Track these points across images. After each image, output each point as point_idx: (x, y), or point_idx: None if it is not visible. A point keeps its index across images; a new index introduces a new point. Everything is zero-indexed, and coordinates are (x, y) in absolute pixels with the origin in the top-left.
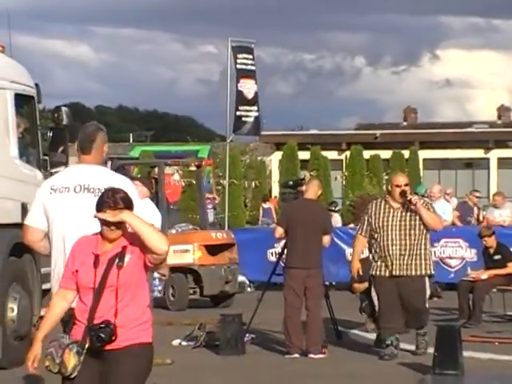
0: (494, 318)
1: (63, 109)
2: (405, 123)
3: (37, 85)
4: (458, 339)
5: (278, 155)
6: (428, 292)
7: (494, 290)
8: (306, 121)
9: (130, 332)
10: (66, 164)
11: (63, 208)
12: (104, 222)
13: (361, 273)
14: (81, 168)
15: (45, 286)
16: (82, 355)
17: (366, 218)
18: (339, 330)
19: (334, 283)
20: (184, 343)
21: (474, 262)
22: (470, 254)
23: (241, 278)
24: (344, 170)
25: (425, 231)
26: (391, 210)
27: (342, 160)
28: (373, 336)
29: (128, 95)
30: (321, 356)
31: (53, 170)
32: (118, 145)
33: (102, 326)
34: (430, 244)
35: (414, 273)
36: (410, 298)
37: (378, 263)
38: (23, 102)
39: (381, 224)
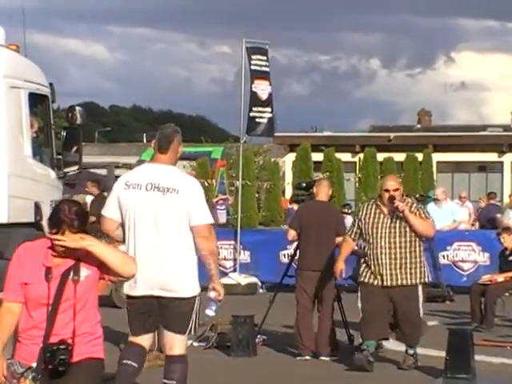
0: (507, 321)
1: (77, 108)
2: (419, 126)
3: (51, 84)
4: (470, 343)
5: (291, 156)
6: (421, 300)
7: (507, 293)
8: (320, 122)
9: (83, 347)
10: (79, 163)
11: (134, 203)
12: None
13: (343, 275)
14: (154, 167)
15: None
16: (37, 381)
17: (357, 221)
18: (351, 333)
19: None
20: (195, 344)
21: (487, 265)
22: (483, 258)
23: (253, 280)
24: (357, 172)
25: (417, 238)
26: (381, 216)
27: (355, 162)
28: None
29: (142, 95)
30: (332, 358)
31: (66, 170)
32: (132, 144)
33: (62, 347)
34: (437, 248)
35: (405, 282)
36: (402, 308)
37: (368, 271)
38: (37, 102)
39: (370, 231)
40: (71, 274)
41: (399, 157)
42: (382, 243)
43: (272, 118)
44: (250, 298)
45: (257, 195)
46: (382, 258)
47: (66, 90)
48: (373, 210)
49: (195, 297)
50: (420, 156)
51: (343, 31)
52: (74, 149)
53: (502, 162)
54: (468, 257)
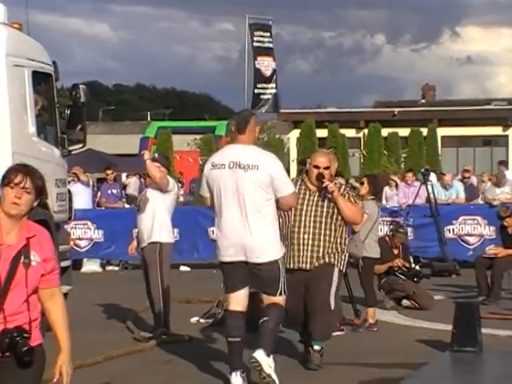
0: None
1: (81, 86)
2: (423, 101)
3: (54, 62)
4: (477, 316)
5: (295, 133)
6: (334, 287)
7: None
8: (325, 98)
9: (34, 332)
10: (83, 142)
11: (220, 182)
12: (13, 188)
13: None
14: (235, 147)
15: (63, 264)
16: None
17: None
18: (357, 308)
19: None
20: (202, 320)
21: (493, 239)
22: (489, 232)
23: None
24: (362, 147)
25: (343, 224)
26: (307, 193)
27: (359, 138)
28: (391, 313)
29: (146, 73)
30: (339, 333)
31: (70, 148)
32: (136, 123)
33: (24, 335)
34: (443, 223)
35: (322, 261)
36: (310, 292)
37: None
38: (41, 80)
39: (293, 208)
40: (22, 256)
41: (404, 132)
42: (306, 222)
43: (276, 93)
44: None
45: None
46: (303, 238)
47: (70, 69)
48: (297, 186)
49: (278, 260)
50: (425, 131)
51: (347, 7)
52: (78, 127)
53: (506, 136)
54: (474, 230)
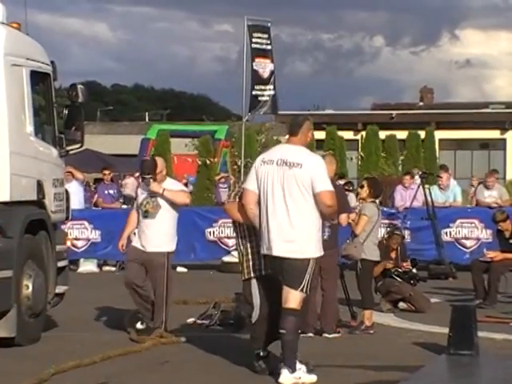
0: (510, 298)
1: (79, 86)
2: (421, 103)
3: (52, 62)
4: (473, 319)
5: None
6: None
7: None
8: (323, 100)
9: None
10: (81, 142)
11: (268, 177)
12: None
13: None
14: (285, 146)
15: (60, 264)
16: None
17: None
18: (354, 310)
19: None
20: (198, 321)
21: (490, 242)
22: (486, 235)
23: None
24: (360, 150)
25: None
26: None
27: (357, 140)
28: (387, 316)
29: (144, 74)
30: (335, 335)
31: (68, 148)
32: (134, 123)
33: None
34: (440, 226)
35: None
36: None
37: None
38: (39, 80)
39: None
40: None
41: (401, 134)
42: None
43: (275, 95)
44: None
45: None
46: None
47: (68, 69)
48: None
49: (310, 259)
50: (422, 134)
51: (347, 9)
52: (76, 127)
53: (504, 139)
54: (471, 234)
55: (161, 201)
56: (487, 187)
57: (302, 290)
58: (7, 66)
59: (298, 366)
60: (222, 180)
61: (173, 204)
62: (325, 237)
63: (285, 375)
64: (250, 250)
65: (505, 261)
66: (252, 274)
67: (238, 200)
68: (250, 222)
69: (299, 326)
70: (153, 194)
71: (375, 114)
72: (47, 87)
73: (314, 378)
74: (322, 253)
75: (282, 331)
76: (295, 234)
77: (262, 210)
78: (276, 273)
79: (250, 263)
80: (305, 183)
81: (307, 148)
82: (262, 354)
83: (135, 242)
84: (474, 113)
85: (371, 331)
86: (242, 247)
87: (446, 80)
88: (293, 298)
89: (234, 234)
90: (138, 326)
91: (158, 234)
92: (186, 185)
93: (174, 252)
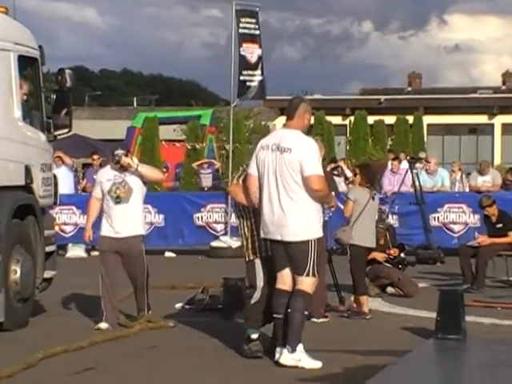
0: (497, 283)
1: (67, 71)
2: (409, 88)
3: (40, 47)
4: (461, 304)
5: (282, 120)
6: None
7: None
8: (312, 86)
9: None
10: (69, 127)
11: (264, 163)
12: None
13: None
14: (281, 131)
15: (48, 249)
16: None
17: None
18: (342, 295)
19: (334, 248)
20: (187, 307)
21: (478, 227)
22: (474, 220)
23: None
24: (348, 135)
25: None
26: None
27: (346, 125)
28: (375, 301)
29: (132, 59)
30: (323, 320)
31: (56, 133)
32: (122, 108)
33: None
34: (428, 211)
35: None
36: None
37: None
38: (27, 64)
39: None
40: None
41: (390, 119)
42: None
43: (263, 80)
44: (241, 261)
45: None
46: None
47: (56, 54)
48: None
49: (309, 241)
50: (411, 119)
51: None
52: (64, 112)
53: (492, 125)
54: (459, 219)
55: (131, 183)
56: (481, 173)
57: (308, 275)
58: None
59: (300, 347)
60: (205, 166)
61: (142, 184)
62: (326, 217)
63: (285, 355)
64: (253, 232)
65: (492, 245)
66: (256, 255)
67: (241, 182)
68: (252, 205)
69: (306, 308)
70: (120, 178)
71: (363, 99)
72: (35, 72)
73: (316, 363)
74: (320, 234)
75: (289, 310)
76: (287, 219)
77: (260, 194)
78: (280, 258)
79: (255, 244)
80: (294, 168)
81: (304, 131)
82: (252, 336)
83: (106, 231)
84: (462, 98)
85: (368, 317)
86: (246, 229)
87: (434, 65)
88: (302, 282)
89: (236, 217)
90: (101, 325)
91: (134, 217)
92: (166, 168)
93: (162, 235)
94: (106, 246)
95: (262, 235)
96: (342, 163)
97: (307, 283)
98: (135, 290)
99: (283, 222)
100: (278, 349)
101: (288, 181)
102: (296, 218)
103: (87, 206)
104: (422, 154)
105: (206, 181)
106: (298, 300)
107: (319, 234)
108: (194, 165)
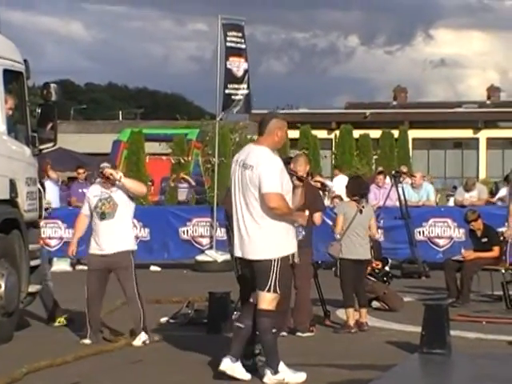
0: (482, 297)
1: (52, 85)
2: (395, 103)
3: (25, 61)
4: (446, 318)
5: None
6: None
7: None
8: (298, 99)
9: None
10: (54, 141)
11: (233, 179)
12: None
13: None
14: (250, 147)
15: (33, 263)
16: None
17: None
18: (327, 309)
19: (320, 262)
20: (172, 321)
21: (463, 241)
22: (459, 234)
23: (229, 257)
24: (333, 149)
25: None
26: None
27: (331, 139)
28: None
29: (118, 72)
30: (309, 334)
31: (41, 147)
32: (107, 122)
33: None
34: (413, 225)
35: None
36: None
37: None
38: (12, 78)
39: None
40: None
41: (375, 133)
42: None
43: (248, 94)
44: (227, 275)
45: None
46: None
47: (42, 67)
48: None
49: (270, 260)
50: (396, 133)
51: (322, 8)
52: (49, 126)
53: (477, 139)
54: (444, 233)
55: (117, 199)
56: (467, 190)
57: (269, 291)
58: None
59: (282, 367)
60: (182, 180)
61: (128, 199)
62: (300, 237)
63: (268, 376)
64: None
65: (477, 260)
66: None
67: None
68: None
69: (273, 326)
70: (107, 193)
71: (349, 113)
72: (20, 86)
73: (300, 376)
74: (288, 252)
75: (257, 333)
76: (249, 236)
77: (234, 214)
78: (249, 274)
79: None
80: (254, 185)
81: (279, 148)
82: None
83: (93, 249)
84: (448, 112)
85: (352, 330)
86: None
87: (420, 79)
88: (263, 299)
89: (227, 231)
90: (85, 341)
91: (120, 233)
92: (151, 182)
93: (147, 249)
94: (93, 265)
95: (233, 252)
96: (317, 177)
97: (267, 300)
98: (128, 303)
99: (244, 239)
100: (225, 358)
101: (250, 198)
102: (256, 236)
103: (74, 222)
104: (403, 168)
105: (182, 195)
106: (262, 321)
107: (284, 252)
108: (171, 179)
